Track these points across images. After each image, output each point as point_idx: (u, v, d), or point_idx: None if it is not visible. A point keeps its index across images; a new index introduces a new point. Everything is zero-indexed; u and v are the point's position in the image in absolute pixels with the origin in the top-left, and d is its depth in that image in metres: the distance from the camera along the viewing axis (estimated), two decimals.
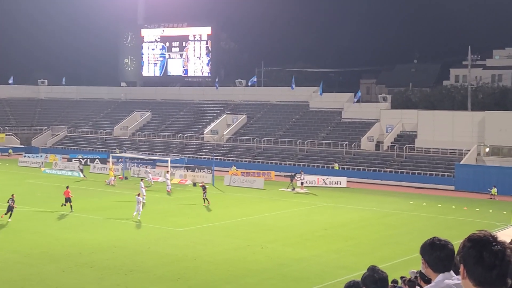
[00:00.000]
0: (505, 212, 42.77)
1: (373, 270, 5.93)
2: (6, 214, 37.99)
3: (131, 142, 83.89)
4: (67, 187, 43.56)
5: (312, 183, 58.84)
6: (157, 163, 67.56)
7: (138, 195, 41.07)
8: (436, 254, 4.93)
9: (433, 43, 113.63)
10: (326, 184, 59.57)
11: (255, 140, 76.02)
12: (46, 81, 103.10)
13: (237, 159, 72.60)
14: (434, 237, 5.04)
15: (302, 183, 56.71)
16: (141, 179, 51.08)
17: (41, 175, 62.93)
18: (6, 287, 24.65)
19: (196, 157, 74.28)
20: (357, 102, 78.38)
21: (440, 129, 66.02)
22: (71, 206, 42.26)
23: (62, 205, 42.03)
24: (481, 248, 3.53)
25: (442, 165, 62.83)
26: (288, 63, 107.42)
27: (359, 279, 6.86)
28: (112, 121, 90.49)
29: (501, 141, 62.52)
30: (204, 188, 46.80)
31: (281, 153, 72.82)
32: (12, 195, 38.54)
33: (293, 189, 56.00)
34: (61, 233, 35.26)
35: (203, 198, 46.04)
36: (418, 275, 10.35)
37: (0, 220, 37.79)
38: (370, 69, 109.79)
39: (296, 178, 57.25)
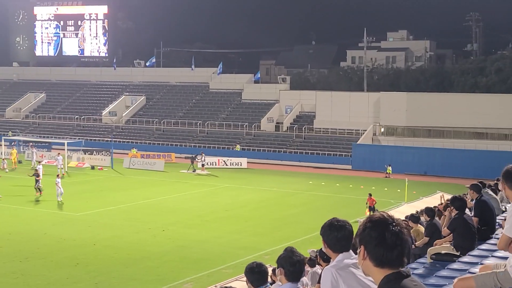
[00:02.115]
0: (399, 190, 44.44)
1: (291, 251, 5.93)
2: None
3: (24, 124, 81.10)
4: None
5: (212, 165, 58.97)
6: (53, 146, 65.68)
7: (58, 176, 40.59)
8: (334, 234, 5.08)
9: (330, 25, 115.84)
10: (226, 165, 59.87)
11: (155, 121, 75.29)
12: None
13: (137, 141, 71.70)
14: (333, 218, 5.18)
15: (202, 165, 56.76)
16: (39, 162, 50.18)
17: None
18: None
19: (95, 140, 72.74)
20: (256, 83, 79.03)
21: (338, 110, 67.63)
22: None
23: None
24: (382, 229, 3.60)
25: (340, 145, 64.49)
26: (188, 43, 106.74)
27: (261, 259, 6.95)
28: (3, 102, 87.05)
29: (395, 121, 64.82)
30: (37, 176, 42.12)
31: (182, 135, 72.50)
32: None
33: (194, 170, 55.96)
34: None
35: (36, 188, 41.70)
36: (317, 254, 10.63)
37: None
38: (269, 50, 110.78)
39: (196, 159, 57.22)
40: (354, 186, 49.98)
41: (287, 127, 70.02)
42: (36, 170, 42.79)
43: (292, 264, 5.74)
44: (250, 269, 6.41)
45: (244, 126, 70.33)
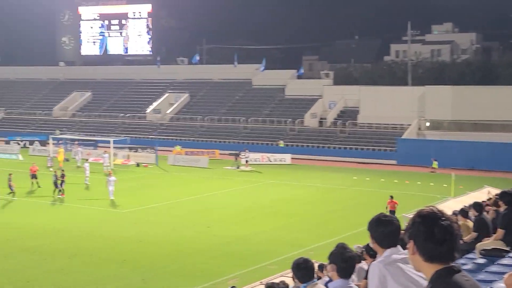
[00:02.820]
0: (445, 185, 43.83)
1: (343, 247, 5.88)
2: None
3: (71, 123, 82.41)
4: (33, 164, 44.55)
5: (256, 161, 59.03)
6: (99, 144, 66.61)
7: (110, 175, 40.35)
8: (382, 230, 5.02)
9: (373, 19, 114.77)
10: (270, 161, 59.87)
11: (198, 118, 75.71)
12: None
13: (180, 138, 72.18)
14: (380, 214, 5.13)
15: (246, 161, 56.86)
16: (86, 160, 50.60)
17: None
18: None
19: (139, 137, 73.50)
20: (299, 78, 78.80)
21: (382, 105, 66.99)
22: (37, 183, 42.79)
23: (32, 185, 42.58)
24: (431, 223, 3.56)
25: (384, 140, 63.89)
26: (230, 40, 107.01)
27: (306, 255, 6.90)
28: (51, 101, 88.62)
29: (441, 115, 63.92)
30: (62, 176, 41.29)
31: (225, 131, 72.74)
32: None
33: (238, 167, 56.11)
34: (2, 218, 34.50)
35: (61, 189, 40.90)
36: (364, 249, 10.54)
37: None
38: (312, 46, 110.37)
39: (240, 156, 57.37)
40: (399, 181, 49.47)
41: (331, 123, 69.65)
42: (56, 171, 42.28)
43: (344, 260, 5.70)
44: (296, 264, 6.38)
45: (287, 122, 70.22)
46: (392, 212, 31.03)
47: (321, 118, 71.12)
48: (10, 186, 40.35)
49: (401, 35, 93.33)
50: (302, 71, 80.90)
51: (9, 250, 27.54)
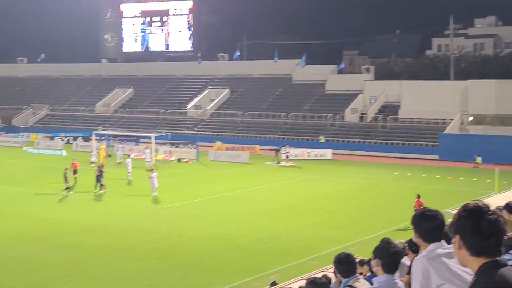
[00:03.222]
0: (489, 180, 43.03)
1: (388, 242, 5.77)
2: None
3: (114, 119, 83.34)
4: (74, 159, 45.19)
5: (297, 156, 58.85)
6: (141, 140, 67.20)
7: (152, 170, 40.37)
8: (426, 224, 4.92)
9: (415, 13, 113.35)
10: (311, 156, 59.63)
11: (239, 114, 75.81)
12: (25, 59, 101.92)
13: (221, 133, 72.39)
14: (424, 208, 5.02)
15: (287, 156, 56.72)
16: (128, 156, 51.00)
17: (23, 155, 62.44)
18: None
19: (180, 133, 73.90)
20: (340, 73, 78.28)
21: (424, 99, 66.10)
22: (75, 178, 43.14)
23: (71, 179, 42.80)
24: (478, 217, 3.54)
25: (426, 135, 63.04)
26: (270, 36, 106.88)
27: (348, 250, 6.79)
28: (94, 98, 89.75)
29: (484, 109, 62.79)
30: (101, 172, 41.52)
31: (265, 127, 72.69)
32: None
33: (278, 162, 56.02)
34: (44, 213, 35.02)
35: (102, 184, 41.12)
36: (406, 245, 10.32)
37: None
38: (352, 41, 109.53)
39: (281, 151, 57.26)
40: (442, 176, 48.76)
41: (372, 118, 69.02)
42: (99, 166, 42.53)
43: (389, 255, 5.59)
44: (338, 259, 6.29)
45: (328, 117, 69.82)
46: None
47: (361, 113, 70.54)
48: (65, 180, 40.77)
49: (443, 29, 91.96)
50: (342, 66, 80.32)
51: (52, 245, 27.93)
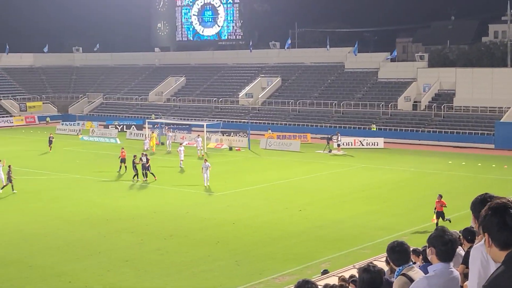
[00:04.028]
0: None
1: (442, 230, 5.76)
2: (4, 186, 37.35)
3: (166, 107, 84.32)
4: (122, 148, 46.11)
5: (348, 145, 58.59)
6: (193, 128, 67.86)
7: (205, 161, 40.23)
8: None
9: None
10: (363, 145, 59.29)
11: (290, 102, 75.78)
12: (80, 48, 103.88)
13: (272, 122, 72.53)
14: (486, 194, 4.94)
15: (338, 145, 56.52)
16: (180, 144, 51.51)
17: (79, 143, 63.84)
18: (52, 252, 25.26)
19: (232, 121, 74.35)
20: (393, 61, 77.40)
21: (479, 87, 64.88)
22: (125, 167, 44.23)
23: (120, 169, 44.37)
24: (502, 213, 3.74)
25: (482, 123, 61.92)
26: (322, 23, 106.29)
27: (401, 239, 6.82)
28: (147, 87, 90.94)
29: None
30: (147, 161, 41.84)
31: (317, 115, 72.49)
32: (9, 166, 37.69)
33: (330, 151, 55.88)
34: (101, 200, 35.87)
35: (149, 173, 41.51)
36: (461, 234, 10.29)
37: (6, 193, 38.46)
38: (406, 28, 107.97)
39: (332, 140, 57.07)
40: (497, 165, 47.89)
41: (425, 106, 68.09)
42: (141, 156, 42.44)
43: (444, 243, 5.57)
44: (391, 248, 6.30)
45: (381, 105, 69.18)
46: (440, 213, 28.05)
47: (415, 102, 69.65)
48: (134, 167, 41.60)
49: (500, 14, 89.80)
50: (395, 53, 79.39)
51: (108, 231, 28.61)
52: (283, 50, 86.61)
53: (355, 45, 79.31)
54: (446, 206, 28.33)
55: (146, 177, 41.31)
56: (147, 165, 41.47)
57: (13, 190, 37.19)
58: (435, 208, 28.32)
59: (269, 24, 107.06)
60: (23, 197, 36.52)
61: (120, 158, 44.84)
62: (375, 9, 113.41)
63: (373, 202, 34.83)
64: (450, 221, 27.25)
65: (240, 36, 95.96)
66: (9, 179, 37.12)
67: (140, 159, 41.72)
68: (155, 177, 41.53)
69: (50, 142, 55.03)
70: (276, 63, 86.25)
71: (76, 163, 50.22)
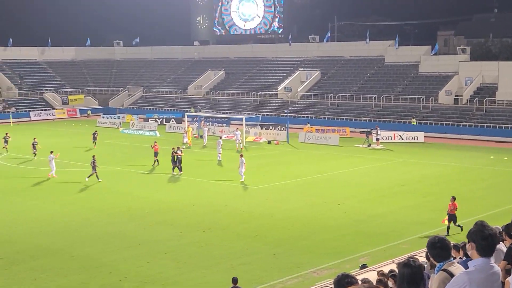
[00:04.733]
0: None
1: (482, 225, 5.72)
2: (90, 176, 39.14)
3: (205, 101, 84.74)
4: (155, 142, 46.33)
5: (388, 139, 58.15)
6: (232, 121, 68.09)
7: (241, 156, 39.90)
8: None
9: None
10: (402, 139, 58.77)
11: (329, 96, 75.48)
12: (121, 42, 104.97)
13: (311, 115, 72.35)
14: None
15: (377, 139, 56.15)
16: (220, 137, 51.63)
17: (119, 135, 64.61)
18: (93, 243, 25.66)
19: (270, 115, 74.41)
20: (434, 55, 76.49)
21: None
22: (157, 161, 44.61)
23: (154, 163, 44.79)
24: None
25: None
26: (362, 17, 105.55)
27: (441, 234, 6.77)
28: (186, 80, 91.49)
29: None
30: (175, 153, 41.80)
31: (356, 109, 72.09)
32: (93, 156, 39.92)
33: (369, 145, 55.55)
34: (140, 192, 36.26)
35: (178, 167, 41.74)
36: (502, 230, 10.17)
37: (87, 182, 39.11)
38: (447, 21, 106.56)
39: (371, 134, 56.73)
40: None
41: (467, 100, 67.14)
42: (175, 148, 42.52)
43: (483, 238, 5.53)
44: (431, 243, 6.25)
45: (421, 99, 68.44)
46: (452, 216, 26.69)
47: (456, 95, 68.76)
48: (173, 160, 41.80)
49: None
50: (436, 47, 78.44)
51: (148, 223, 28.93)
52: (323, 44, 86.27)
53: (396, 38, 78.58)
54: (456, 209, 26.92)
55: (181, 170, 41.67)
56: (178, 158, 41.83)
57: (98, 179, 38.91)
58: (449, 211, 26.92)
59: (308, 18, 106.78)
60: (66, 189, 37.18)
61: (154, 152, 45.23)
62: (416, 2, 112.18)
63: (413, 196, 34.53)
64: (462, 229, 26.17)
65: (279, 30, 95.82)
66: (94, 168, 39.03)
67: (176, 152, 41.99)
68: (180, 171, 41.68)
69: (95, 138, 54.82)
70: (315, 56, 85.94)
71: (116, 156, 50.85)
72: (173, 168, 41.88)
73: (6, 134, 51.94)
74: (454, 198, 27.10)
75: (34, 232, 27.45)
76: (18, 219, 29.97)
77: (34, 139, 49.38)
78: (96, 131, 56.97)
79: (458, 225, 26.56)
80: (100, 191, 36.47)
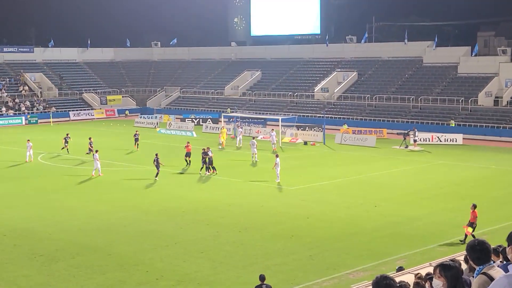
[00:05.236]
0: None
1: None
2: (157, 174, 39.92)
3: (242, 101, 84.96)
4: (188, 143, 46.56)
5: (426, 141, 57.62)
6: (268, 122, 68.17)
7: (276, 156, 39.65)
8: None
9: None
10: (440, 141, 58.15)
11: (366, 97, 75.05)
12: (159, 43, 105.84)
13: (348, 117, 72.03)
14: None
15: (415, 141, 55.67)
16: (253, 138, 51.62)
17: (156, 135, 65.18)
18: (130, 242, 25.94)
19: (307, 116, 74.30)
20: (474, 55, 75.51)
21: None
22: (189, 161, 44.79)
23: (186, 164, 45.12)
24: None
25: None
26: (400, 17, 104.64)
27: (481, 237, 6.70)
28: (223, 81, 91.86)
29: None
30: (205, 154, 42.09)
31: (394, 110, 71.57)
32: (156, 154, 40.61)
33: (406, 146, 55.10)
34: (177, 191, 36.56)
35: (210, 166, 41.83)
36: None
37: (156, 180, 39.57)
38: (488, 21, 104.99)
39: (409, 135, 56.28)
40: None
41: (507, 102, 66.12)
42: (204, 149, 42.49)
43: None
44: (471, 246, 6.20)
45: (460, 101, 67.63)
46: (471, 224, 25.54)
47: (496, 97, 67.77)
48: (203, 161, 41.95)
49: None
50: (476, 48, 77.40)
51: (184, 222, 29.15)
52: (360, 44, 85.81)
53: (435, 39, 77.80)
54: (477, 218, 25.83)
55: (215, 170, 41.82)
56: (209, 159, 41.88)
57: (156, 176, 39.85)
58: (470, 220, 25.77)
59: (345, 18, 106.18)
60: (105, 187, 37.69)
61: (186, 152, 45.40)
62: (456, 2, 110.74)
63: (451, 199, 34.16)
64: (463, 242, 25.05)
65: (316, 30, 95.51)
66: (157, 167, 39.88)
67: (206, 152, 42.00)
68: (208, 171, 41.74)
69: (136, 139, 53.91)
70: (352, 57, 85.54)
71: (154, 155, 51.20)
72: (201, 167, 42.03)
73: (67, 134, 52.00)
74: (474, 206, 26.04)
75: (74, 230, 27.87)
76: (59, 216, 30.45)
77: (90, 138, 50.21)
78: (137, 131, 56.33)
79: (472, 234, 25.16)
80: (138, 191, 36.85)
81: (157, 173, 39.81)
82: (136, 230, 27.77)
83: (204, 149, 42.60)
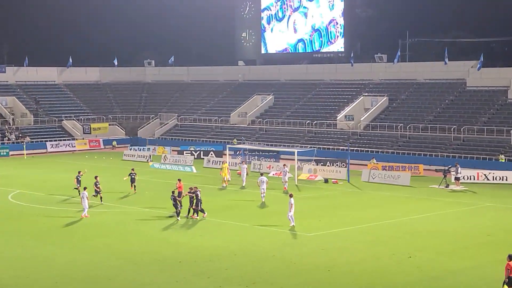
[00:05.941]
0: None
1: None
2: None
3: (250, 131, 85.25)
4: (179, 180, 45.68)
5: (470, 179, 57.57)
6: (282, 155, 68.23)
7: (291, 196, 39.19)
8: None
9: None
10: (488, 179, 58.08)
11: (399, 126, 75.19)
12: (153, 61, 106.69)
13: (377, 150, 72.11)
14: None
15: (457, 179, 55.61)
16: (261, 174, 51.52)
17: (148, 170, 65.31)
18: None
19: (328, 148, 74.41)
20: None
21: None
22: (180, 202, 43.85)
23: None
24: None
25: None
26: (439, 32, 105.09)
27: None
28: (228, 106, 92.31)
29: None
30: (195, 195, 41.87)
31: (432, 142, 71.64)
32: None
33: (447, 185, 55.05)
34: (173, 238, 36.51)
35: (198, 210, 41.93)
36: None
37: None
38: None
39: (450, 172, 56.24)
40: None
41: None
42: (192, 188, 42.28)
43: None
44: None
45: (511, 132, 67.69)
46: (510, 279, 24.81)
47: None
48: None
49: None
50: None
51: (181, 275, 29.02)
52: (391, 64, 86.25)
53: (480, 59, 78.11)
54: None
55: (204, 213, 41.69)
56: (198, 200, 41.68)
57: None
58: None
59: (374, 33, 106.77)
60: (88, 232, 37.67)
61: (177, 191, 43.85)
62: (504, 14, 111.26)
63: (500, 249, 33.93)
64: None
65: (339, 48, 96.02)
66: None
67: (193, 192, 41.62)
68: (196, 215, 41.64)
69: (133, 180, 52.06)
70: (382, 79, 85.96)
71: (145, 194, 51.35)
72: (189, 210, 41.70)
73: (79, 172, 49.93)
74: (510, 257, 25.09)
75: (49, 284, 27.77)
76: (34, 266, 30.39)
77: (96, 177, 47.45)
78: (133, 169, 53.92)
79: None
80: (126, 235, 36.84)
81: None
82: (125, 284, 27.68)
83: (191, 188, 42.30)
